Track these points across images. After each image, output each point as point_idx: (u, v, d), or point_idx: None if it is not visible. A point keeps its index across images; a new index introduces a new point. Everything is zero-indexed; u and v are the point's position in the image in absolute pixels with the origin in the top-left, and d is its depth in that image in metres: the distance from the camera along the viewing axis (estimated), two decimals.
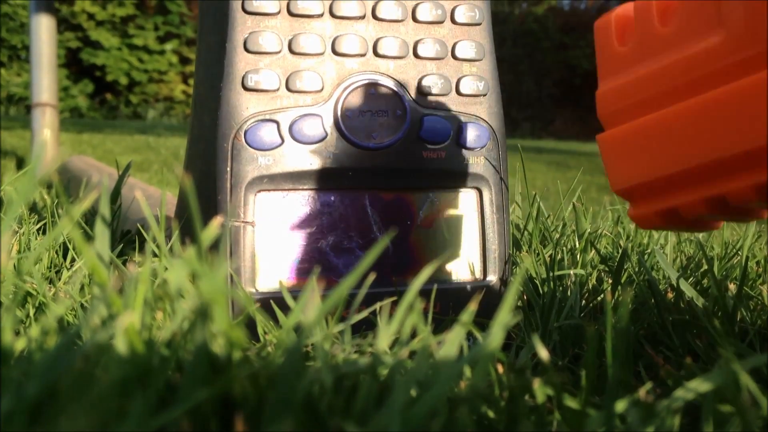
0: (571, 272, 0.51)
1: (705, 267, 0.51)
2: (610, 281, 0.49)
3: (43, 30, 1.65)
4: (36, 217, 0.64)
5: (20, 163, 2.00)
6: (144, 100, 9.67)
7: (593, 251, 0.56)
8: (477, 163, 0.41)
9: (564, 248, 0.57)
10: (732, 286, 0.43)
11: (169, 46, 9.56)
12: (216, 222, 0.24)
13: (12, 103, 8.30)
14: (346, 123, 0.38)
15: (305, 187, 0.38)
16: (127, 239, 0.55)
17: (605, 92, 0.30)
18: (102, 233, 0.25)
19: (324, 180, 0.38)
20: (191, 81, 0.47)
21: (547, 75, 11.74)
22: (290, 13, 0.37)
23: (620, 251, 0.53)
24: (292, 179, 0.38)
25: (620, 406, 0.22)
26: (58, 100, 1.70)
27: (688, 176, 0.26)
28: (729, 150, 0.24)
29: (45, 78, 1.66)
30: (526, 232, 0.59)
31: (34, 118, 1.67)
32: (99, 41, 9.19)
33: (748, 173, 0.24)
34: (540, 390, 0.23)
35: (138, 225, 0.66)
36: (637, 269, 0.49)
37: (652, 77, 0.27)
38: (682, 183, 0.27)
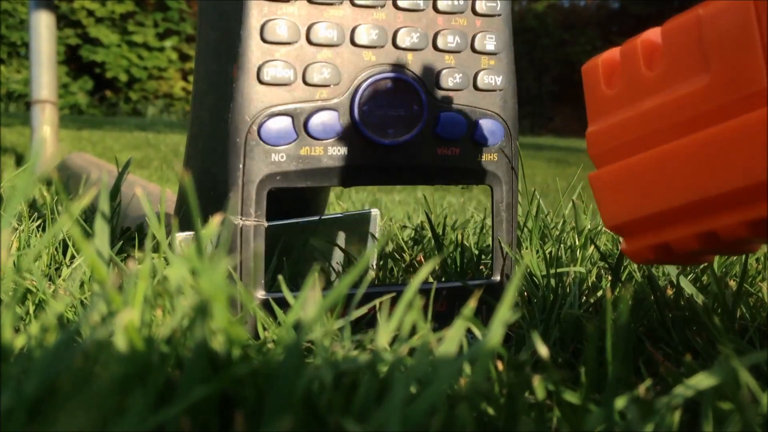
0: (571, 269, 0.51)
1: (705, 263, 0.51)
2: (610, 278, 0.49)
3: (43, 27, 1.65)
4: (36, 214, 0.64)
5: (20, 160, 2.00)
6: (144, 96, 9.67)
7: (593, 248, 0.56)
8: (490, 161, 0.40)
9: (564, 245, 0.57)
10: (732, 283, 0.43)
11: (168, 43, 9.55)
12: (216, 219, 0.24)
13: (12, 100, 8.30)
14: (363, 118, 0.37)
15: (319, 185, 0.37)
16: (127, 236, 0.55)
17: (595, 133, 0.30)
18: (102, 230, 0.25)
19: (338, 177, 0.37)
20: (191, 78, 0.46)
21: (546, 72, 11.74)
22: (308, 0, 0.36)
23: (620, 248, 0.53)
24: (305, 176, 0.36)
25: (620, 402, 0.22)
26: (57, 97, 1.70)
27: (679, 213, 0.27)
28: (719, 188, 0.25)
29: (44, 75, 1.65)
30: (525, 229, 0.59)
31: (33, 115, 1.67)
32: (98, 38, 9.19)
33: (738, 210, 0.25)
34: (540, 386, 0.23)
35: (138, 222, 0.66)
36: (636, 266, 0.49)
37: (640, 119, 0.28)
38: (673, 219, 0.28)
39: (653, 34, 0.28)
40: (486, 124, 0.39)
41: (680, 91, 0.26)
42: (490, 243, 0.64)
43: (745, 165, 0.24)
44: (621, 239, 0.34)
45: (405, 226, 0.78)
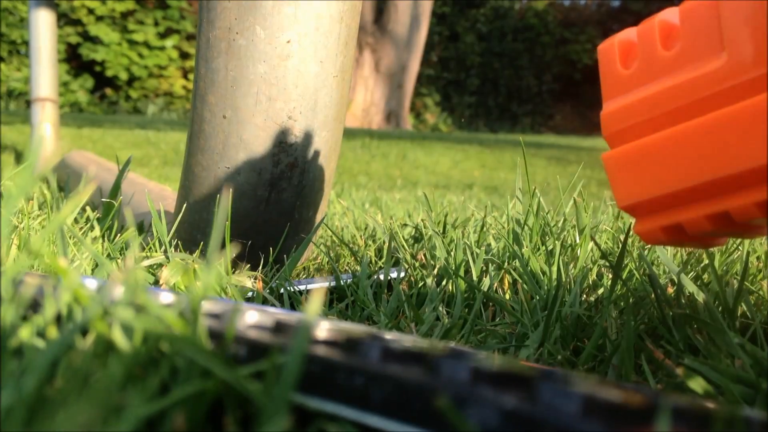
0: (572, 267, 0.51)
1: (706, 262, 0.51)
2: (611, 276, 0.49)
3: (43, 25, 1.64)
4: (37, 211, 0.64)
5: (19, 158, 2.00)
6: (144, 95, 9.67)
7: (593, 246, 0.56)
8: None
9: (564, 243, 0.57)
10: (733, 281, 0.43)
11: (169, 42, 9.54)
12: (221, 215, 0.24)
13: (12, 98, 8.31)
14: None
15: None
16: (126, 237, 0.55)
17: (610, 113, 0.31)
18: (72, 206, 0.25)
19: None
20: (191, 76, 0.46)
21: (547, 70, 11.74)
22: None
23: (620, 246, 0.53)
24: None
25: None
26: (58, 95, 1.70)
27: (692, 193, 0.27)
28: (732, 168, 0.25)
29: (45, 73, 1.65)
30: (526, 227, 0.59)
31: (33, 113, 1.68)
32: (99, 36, 9.18)
33: (751, 190, 0.25)
34: None
35: (139, 220, 0.66)
36: (637, 264, 0.49)
37: (656, 99, 0.28)
38: (686, 200, 0.28)
39: (670, 14, 0.28)
40: None
41: (696, 71, 0.26)
42: (491, 241, 0.64)
43: (756, 146, 0.24)
44: (632, 221, 0.34)
45: (405, 225, 0.78)
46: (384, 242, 0.67)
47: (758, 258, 0.56)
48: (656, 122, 0.28)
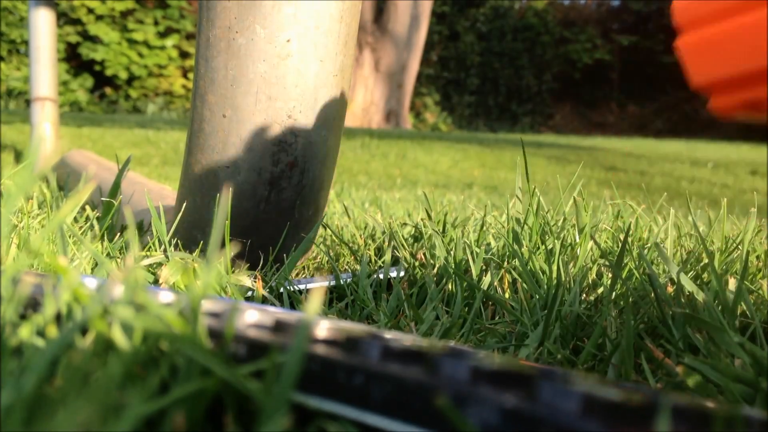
0: (571, 266, 0.51)
1: (705, 261, 0.51)
2: (610, 275, 0.49)
3: (43, 24, 1.64)
4: (37, 210, 0.64)
5: (19, 157, 2.00)
6: (143, 94, 9.67)
7: (593, 245, 0.56)
8: None
9: (564, 242, 0.57)
10: (732, 280, 0.43)
11: (169, 42, 9.54)
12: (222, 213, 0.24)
13: (12, 98, 8.31)
14: None
15: None
16: (125, 239, 0.55)
17: (683, 2, 0.31)
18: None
19: None
20: (191, 75, 0.46)
21: (547, 69, 11.73)
22: None
23: (620, 245, 0.53)
24: None
25: None
26: (57, 94, 1.70)
27: None
28: None
29: (45, 72, 1.65)
30: (526, 226, 0.59)
31: (33, 112, 1.67)
32: (98, 36, 9.18)
33: None
34: None
35: (138, 219, 0.66)
36: (637, 263, 0.49)
37: None
38: (763, 76, 0.28)
39: None
40: None
41: None
42: (490, 241, 0.64)
43: None
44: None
45: (405, 224, 0.77)
46: (384, 241, 0.67)
47: (758, 257, 0.56)
48: (729, 8, 0.29)
